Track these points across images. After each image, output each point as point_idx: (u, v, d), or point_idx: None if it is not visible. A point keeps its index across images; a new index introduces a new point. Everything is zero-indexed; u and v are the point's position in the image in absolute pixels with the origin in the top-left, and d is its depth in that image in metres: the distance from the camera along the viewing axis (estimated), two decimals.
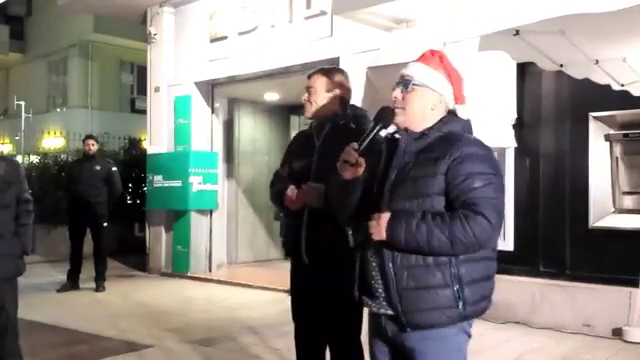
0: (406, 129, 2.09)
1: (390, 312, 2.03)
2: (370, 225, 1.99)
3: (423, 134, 2.08)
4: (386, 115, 2.09)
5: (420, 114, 2.09)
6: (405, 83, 2.10)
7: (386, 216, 1.97)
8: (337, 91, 2.98)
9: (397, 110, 2.09)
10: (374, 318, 2.15)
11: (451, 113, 2.15)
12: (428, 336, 2.01)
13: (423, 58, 2.16)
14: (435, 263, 1.97)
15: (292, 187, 2.90)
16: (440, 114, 2.12)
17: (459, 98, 2.16)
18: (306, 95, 3.00)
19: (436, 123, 2.10)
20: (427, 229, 1.92)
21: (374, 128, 2.07)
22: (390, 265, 2.00)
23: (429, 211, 1.95)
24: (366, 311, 2.25)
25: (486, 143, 2.10)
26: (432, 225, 1.92)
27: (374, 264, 2.05)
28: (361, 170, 2.06)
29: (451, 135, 2.07)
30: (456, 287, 1.96)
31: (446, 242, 1.91)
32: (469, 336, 2.10)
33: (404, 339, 2.06)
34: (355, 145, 2.04)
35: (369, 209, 2.07)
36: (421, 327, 1.99)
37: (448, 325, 2.00)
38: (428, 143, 2.06)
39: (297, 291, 3.10)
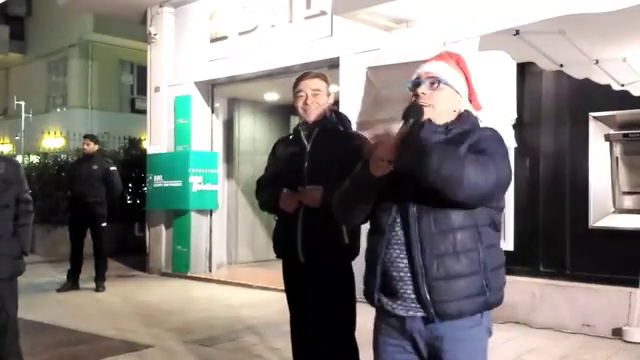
0: (429, 120, 2.08)
1: (420, 314, 1.99)
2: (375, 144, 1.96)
3: (446, 127, 2.08)
4: (416, 111, 2.06)
5: (446, 112, 2.11)
6: (433, 81, 2.10)
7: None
8: (332, 96, 3.07)
9: (425, 108, 2.08)
10: (391, 320, 2.07)
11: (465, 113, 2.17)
12: (458, 337, 1.99)
13: (442, 58, 2.16)
14: (463, 250, 1.96)
15: (286, 190, 2.92)
16: (457, 114, 2.14)
17: (474, 102, 2.18)
18: (312, 98, 2.97)
19: (457, 119, 2.11)
20: (442, 147, 1.93)
21: (407, 124, 2.02)
22: (419, 255, 1.96)
23: None
24: (370, 312, 2.21)
25: None
26: (446, 146, 1.95)
27: (402, 264, 2.00)
28: (391, 167, 2.00)
29: (470, 130, 2.09)
30: (484, 274, 1.98)
31: (459, 164, 1.86)
32: (490, 334, 2.11)
33: (433, 340, 2.02)
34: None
35: (381, 201, 2.06)
36: (450, 317, 1.97)
37: (476, 312, 2.00)
38: (449, 137, 2.06)
39: (293, 291, 3.11)
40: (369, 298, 2.12)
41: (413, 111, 2.06)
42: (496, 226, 2.08)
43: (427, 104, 2.08)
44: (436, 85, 2.09)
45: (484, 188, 1.90)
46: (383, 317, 2.12)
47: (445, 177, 1.86)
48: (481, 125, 2.17)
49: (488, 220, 2.02)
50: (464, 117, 2.13)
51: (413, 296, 1.99)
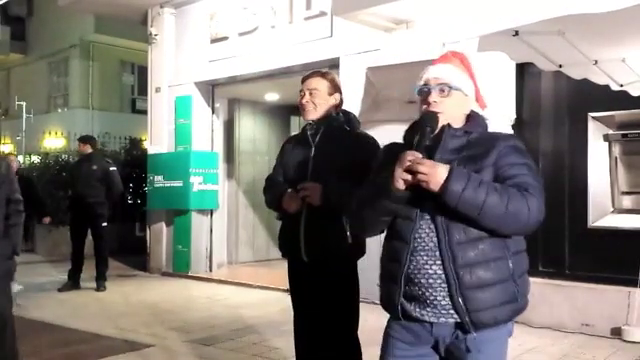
0: (449, 125, 2.06)
1: (451, 320, 1.97)
2: (421, 177, 1.88)
3: (465, 132, 2.06)
4: (432, 119, 2.02)
5: (456, 117, 2.08)
6: (442, 87, 2.05)
7: (442, 166, 1.89)
8: (337, 95, 3.04)
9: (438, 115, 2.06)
10: (413, 325, 2.04)
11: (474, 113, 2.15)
12: (485, 338, 1.98)
13: (448, 60, 2.13)
14: (493, 258, 1.96)
15: (290, 190, 2.92)
16: (466, 116, 2.13)
17: (480, 101, 2.16)
18: (308, 97, 3.00)
19: (472, 123, 2.10)
20: (487, 188, 1.88)
21: (424, 133, 1.98)
22: (450, 264, 1.94)
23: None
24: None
25: None
26: (492, 187, 1.89)
27: (431, 271, 1.97)
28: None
29: (488, 133, 2.09)
30: (513, 281, 1.99)
31: (502, 209, 1.87)
32: (510, 334, 2.13)
33: (460, 343, 2.00)
34: (417, 153, 1.92)
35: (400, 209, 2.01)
36: (487, 326, 1.97)
37: (510, 320, 2.01)
38: (467, 141, 2.04)
39: (296, 290, 3.12)
40: (390, 304, 2.07)
41: (429, 118, 2.02)
42: None
43: (439, 111, 2.04)
44: (446, 92, 2.05)
45: (528, 226, 1.96)
46: (401, 322, 2.07)
47: (494, 220, 1.90)
48: (488, 125, 2.14)
49: None
50: (474, 118, 2.11)
51: (444, 302, 1.97)
